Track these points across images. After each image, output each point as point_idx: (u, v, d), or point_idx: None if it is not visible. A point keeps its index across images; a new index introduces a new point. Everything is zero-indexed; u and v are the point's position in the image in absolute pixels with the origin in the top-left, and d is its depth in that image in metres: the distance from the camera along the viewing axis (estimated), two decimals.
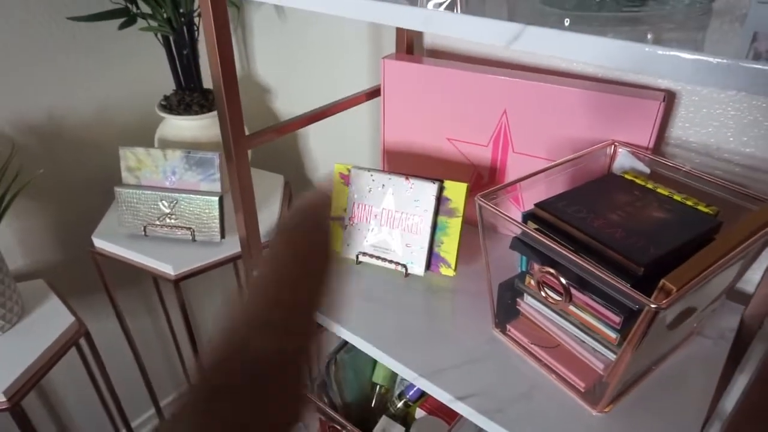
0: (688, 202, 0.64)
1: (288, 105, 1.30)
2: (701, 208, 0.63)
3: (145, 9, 1.06)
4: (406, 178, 0.76)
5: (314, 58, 1.17)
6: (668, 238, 0.58)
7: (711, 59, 0.32)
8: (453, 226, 0.76)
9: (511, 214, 0.65)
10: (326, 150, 1.28)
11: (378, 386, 1.01)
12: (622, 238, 0.57)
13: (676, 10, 0.44)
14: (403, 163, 0.92)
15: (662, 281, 0.48)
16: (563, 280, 0.55)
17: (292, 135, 1.33)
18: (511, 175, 0.83)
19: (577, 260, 0.52)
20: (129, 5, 1.04)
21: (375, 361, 1.02)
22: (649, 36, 0.37)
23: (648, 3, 0.43)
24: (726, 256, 0.50)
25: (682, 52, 0.33)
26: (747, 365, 0.54)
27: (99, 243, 1.10)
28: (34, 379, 0.94)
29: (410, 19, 0.44)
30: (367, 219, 0.79)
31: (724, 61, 0.32)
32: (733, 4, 0.46)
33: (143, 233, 1.07)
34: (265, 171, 1.30)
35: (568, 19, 0.42)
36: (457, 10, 0.45)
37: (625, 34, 0.38)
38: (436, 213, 0.76)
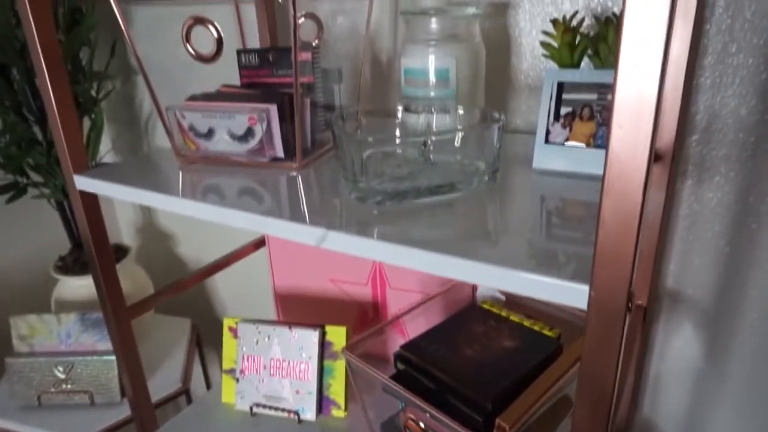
0: (536, 327, 0.72)
1: (191, 249, 1.34)
2: (546, 332, 0.71)
3: (37, 178, 1.10)
4: (289, 328, 0.80)
5: None
6: (515, 366, 0.65)
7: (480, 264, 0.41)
8: (338, 369, 0.80)
9: (397, 346, 0.71)
10: (233, 291, 1.31)
11: None
12: (475, 373, 0.64)
13: (468, 192, 0.54)
14: (294, 305, 0.97)
15: (497, 420, 0.53)
16: (421, 424, 0.60)
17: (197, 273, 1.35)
18: (391, 309, 0.89)
19: (428, 409, 0.57)
20: (18, 178, 1.07)
21: None
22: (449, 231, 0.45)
23: (441, 190, 0.53)
24: (549, 390, 0.57)
25: (446, 255, 0.41)
26: None
27: None
28: None
29: (250, 222, 0.51)
30: (257, 370, 0.82)
31: (498, 267, 0.40)
32: (513, 179, 0.57)
33: (37, 403, 1.04)
34: (171, 316, 1.30)
35: (376, 212, 0.51)
36: (300, 214, 0.52)
37: (415, 228, 0.46)
38: (321, 358, 0.80)
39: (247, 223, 0.51)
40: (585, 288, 0.35)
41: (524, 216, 0.48)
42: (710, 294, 0.70)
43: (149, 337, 1.23)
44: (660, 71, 0.27)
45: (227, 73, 0.75)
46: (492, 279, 0.39)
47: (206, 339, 1.40)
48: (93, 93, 1.10)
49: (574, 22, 0.57)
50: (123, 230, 1.47)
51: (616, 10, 0.65)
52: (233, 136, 0.64)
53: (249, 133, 0.63)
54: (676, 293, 0.72)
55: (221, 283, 1.32)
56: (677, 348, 0.75)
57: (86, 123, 1.10)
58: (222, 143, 0.65)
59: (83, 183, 0.65)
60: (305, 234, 0.47)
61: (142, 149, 1.29)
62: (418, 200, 0.52)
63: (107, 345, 1.04)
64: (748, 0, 0.57)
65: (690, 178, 0.66)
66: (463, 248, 0.42)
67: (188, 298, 1.39)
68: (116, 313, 0.74)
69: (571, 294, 0.37)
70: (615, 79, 0.28)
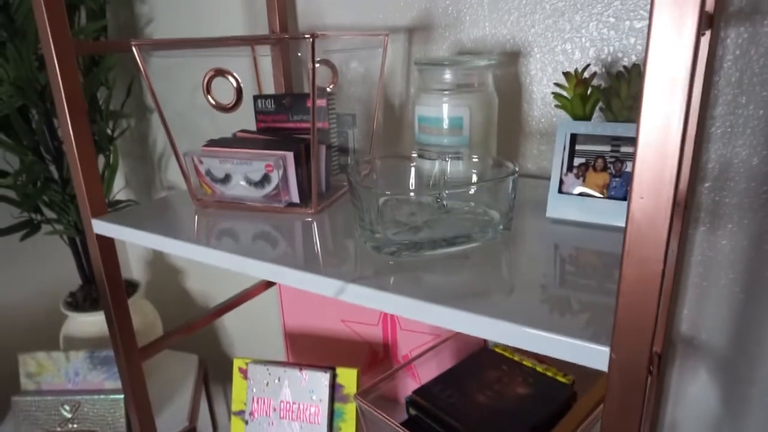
0: (548, 373, 0.71)
1: (201, 284, 1.34)
2: (559, 378, 0.70)
3: (50, 215, 1.11)
4: (300, 370, 0.80)
5: None
6: (530, 413, 0.64)
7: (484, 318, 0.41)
8: (349, 412, 0.79)
9: (410, 389, 0.71)
10: (242, 328, 1.31)
11: None
12: (488, 420, 0.63)
13: (485, 242, 0.54)
14: (304, 344, 0.96)
15: None
16: None
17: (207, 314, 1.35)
18: (402, 350, 0.89)
19: None
20: (32, 215, 1.08)
21: None
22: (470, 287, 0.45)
23: (457, 241, 0.53)
24: None
25: (461, 310, 0.41)
26: None
27: None
28: None
29: (267, 273, 0.52)
30: (267, 413, 0.81)
31: (507, 323, 0.40)
32: (527, 228, 0.57)
33: None
34: (178, 352, 1.30)
35: (392, 262, 0.51)
36: (317, 266, 0.53)
37: (431, 280, 0.46)
38: (332, 401, 0.79)
39: (265, 273, 0.51)
40: (605, 350, 0.35)
41: (540, 268, 0.48)
42: (726, 341, 0.69)
43: (155, 372, 1.22)
44: (680, 150, 0.27)
45: (241, 117, 0.77)
46: (510, 337, 0.39)
47: (213, 375, 1.40)
48: (108, 131, 1.12)
49: (586, 74, 0.58)
50: (132, 264, 1.47)
51: (626, 61, 0.66)
52: (250, 182, 0.65)
53: (265, 179, 0.64)
54: (690, 339, 0.72)
55: (230, 320, 1.31)
56: (692, 395, 0.74)
57: (101, 160, 1.12)
58: (238, 188, 0.66)
59: (101, 227, 0.66)
60: (323, 286, 0.47)
61: (155, 185, 1.30)
62: (433, 252, 0.52)
63: (115, 383, 1.04)
64: (756, 55, 0.58)
65: (703, 225, 0.67)
66: (480, 303, 0.42)
67: (196, 333, 1.38)
68: (128, 355, 0.74)
69: (590, 355, 0.36)
70: (635, 154, 0.29)
